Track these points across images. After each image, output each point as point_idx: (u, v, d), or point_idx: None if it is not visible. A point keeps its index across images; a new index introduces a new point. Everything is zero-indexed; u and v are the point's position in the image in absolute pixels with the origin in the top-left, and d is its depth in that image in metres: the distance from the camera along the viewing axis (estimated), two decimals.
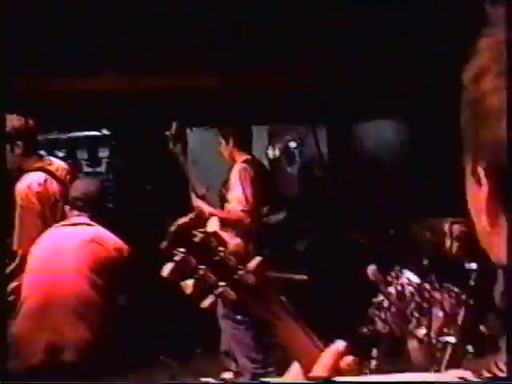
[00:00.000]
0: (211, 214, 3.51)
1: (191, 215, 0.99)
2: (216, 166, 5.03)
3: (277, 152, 7.94)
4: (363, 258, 3.45)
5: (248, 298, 1.05)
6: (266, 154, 7.84)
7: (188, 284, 1.01)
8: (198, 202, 3.86)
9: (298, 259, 5.66)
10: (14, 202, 3.16)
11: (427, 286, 2.60)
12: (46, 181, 3.25)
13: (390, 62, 5.73)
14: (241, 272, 1.03)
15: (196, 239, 1.00)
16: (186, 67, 5.54)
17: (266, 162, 7.61)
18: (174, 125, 3.94)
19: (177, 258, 1.00)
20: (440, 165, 5.12)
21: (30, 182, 3.19)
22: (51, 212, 3.22)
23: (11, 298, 3.13)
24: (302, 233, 6.15)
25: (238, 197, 3.83)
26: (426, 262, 2.73)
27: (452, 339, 2.34)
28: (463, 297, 2.45)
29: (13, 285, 3.16)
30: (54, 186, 3.28)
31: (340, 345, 1.01)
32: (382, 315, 2.72)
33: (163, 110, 5.49)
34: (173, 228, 1.00)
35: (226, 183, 4.15)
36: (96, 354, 2.84)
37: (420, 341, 2.49)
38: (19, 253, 3.12)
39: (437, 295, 2.55)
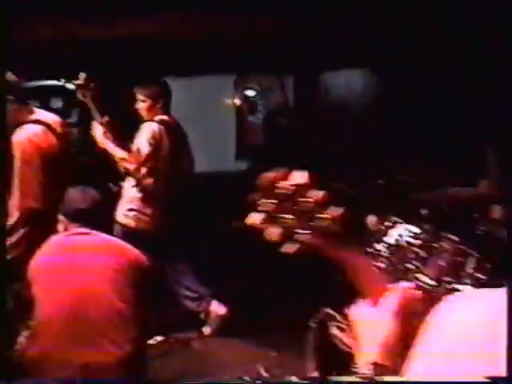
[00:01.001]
0: (101, 144, 3.93)
1: (280, 171, 1.05)
2: None
3: (236, 101, 7.88)
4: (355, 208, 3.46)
5: (330, 244, 1.11)
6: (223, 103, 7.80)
7: (274, 231, 1.06)
8: (96, 130, 3.95)
9: None
10: (11, 156, 3.04)
11: (426, 236, 2.62)
12: (44, 133, 3.15)
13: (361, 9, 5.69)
14: (324, 220, 1.07)
15: (282, 190, 1.05)
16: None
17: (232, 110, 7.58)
18: (82, 75, 3.91)
19: (264, 208, 1.05)
20: (409, 114, 5.18)
21: (28, 135, 3.08)
22: (50, 165, 3.13)
23: (10, 255, 3.07)
24: None
25: (134, 148, 4.09)
26: (424, 211, 2.76)
27: (461, 287, 2.39)
28: (465, 247, 2.48)
29: (12, 239, 3.08)
30: (51, 139, 3.19)
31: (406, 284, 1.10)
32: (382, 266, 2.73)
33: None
34: (260, 180, 1.07)
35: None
36: (130, 373, 2.63)
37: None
38: (19, 207, 3.03)
39: (437, 245, 2.58)
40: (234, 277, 5.02)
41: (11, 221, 3.06)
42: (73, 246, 2.83)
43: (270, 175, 1.10)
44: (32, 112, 3.29)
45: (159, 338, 4.17)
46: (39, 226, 3.07)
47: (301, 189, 1.04)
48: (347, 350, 2.80)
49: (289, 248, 1.04)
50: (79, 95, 3.83)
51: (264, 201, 1.05)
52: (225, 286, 4.57)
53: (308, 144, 6.51)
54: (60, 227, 2.89)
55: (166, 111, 4.40)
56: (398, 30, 5.38)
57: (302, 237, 1.04)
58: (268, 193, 1.06)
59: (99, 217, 2.98)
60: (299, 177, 1.07)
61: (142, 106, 4.29)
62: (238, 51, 6.27)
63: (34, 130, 3.14)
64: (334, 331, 2.94)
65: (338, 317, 2.93)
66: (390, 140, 5.29)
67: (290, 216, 1.04)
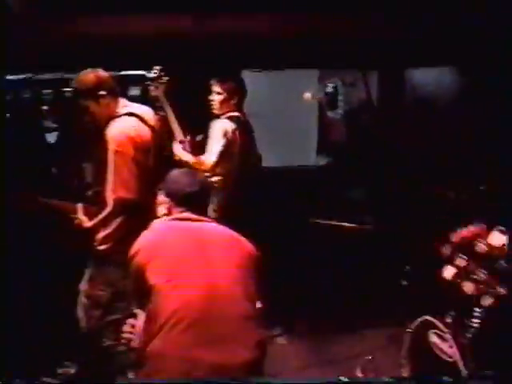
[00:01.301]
0: (186, 162, 3.91)
1: (470, 228, 1.08)
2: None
3: (316, 96, 7.82)
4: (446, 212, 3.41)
5: None
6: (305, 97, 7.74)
7: (469, 286, 1.14)
8: (177, 150, 3.95)
9: (357, 207, 5.62)
10: (105, 149, 3.14)
11: None
12: (138, 126, 3.23)
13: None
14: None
15: (478, 249, 1.11)
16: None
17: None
18: (157, 69, 3.94)
19: (460, 263, 1.12)
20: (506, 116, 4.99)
21: (123, 128, 3.16)
22: (144, 157, 3.21)
23: (102, 246, 3.16)
24: (353, 180, 6.09)
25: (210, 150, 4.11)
26: None
27: None
28: None
29: (104, 232, 3.17)
30: (145, 131, 3.26)
31: None
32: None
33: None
34: (456, 238, 1.11)
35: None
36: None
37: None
38: (113, 198, 3.10)
39: None
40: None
41: (105, 212, 3.15)
42: (192, 233, 2.64)
43: (466, 232, 1.13)
44: (124, 105, 3.37)
45: None
46: (133, 217, 3.14)
47: (498, 251, 1.07)
48: (446, 358, 2.76)
49: (485, 301, 1.08)
50: (152, 88, 3.89)
51: (460, 256, 1.12)
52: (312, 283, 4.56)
53: (391, 142, 6.40)
54: (162, 209, 2.79)
55: (239, 108, 4.40)
56: (489, 29, 5.19)
57: (496, 292, 1.08)
58: (463, 249, 1.11)
59: (206, 203, 2.89)
60: (498, 239, 1.09)
61: (217, 98, 4.31)
62: (323, 46, 6.22)
63: (127, 123, 3.21)
64: (433, 339, 2.90)
65: (439, 324, 2.89)
66: (480, 143, 5.13)
67: (484, 274, 1.09)
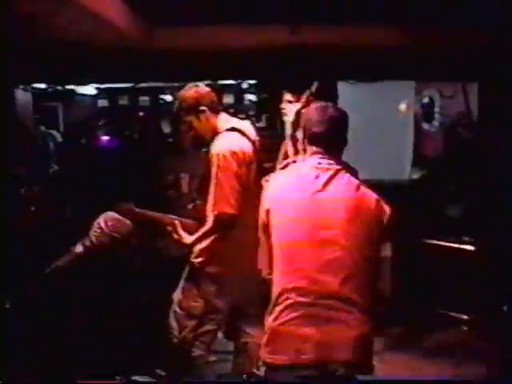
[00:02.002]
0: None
1: None
2: None
3: (412, 108, 7.62)
4: None
5: None
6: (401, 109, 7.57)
7: None
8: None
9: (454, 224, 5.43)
10: (209, 164, 3.17)
11: None
12: (240, 141, 3.24)
13: None
14: None
15: None
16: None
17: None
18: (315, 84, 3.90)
19: None
20: None
21: (226, 143, 3.18)
22: (246, 172, 3.21)
23: (198, 259, 3.18)
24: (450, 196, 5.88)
25: None
26: None
27: None
28: None
29: (202, 245, 3.18)
30: (247, 146, 3.27)
31: None
32: None
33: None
34: None
35: None
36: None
37: None
38: (214, 214, 3.12)
39: None
40: None
41: (205, 227, 3.16)
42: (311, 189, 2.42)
43: None
44: (226, 120, 3.38)
45: None
46: (232, 232, 3.13)
47: None
48: None
49: None
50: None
51: None
52: None
53: (491, 158, 6.14)
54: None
55: None
56: None
57: None
58: None
59: (339, 143, 2.60)
60: None
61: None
62: (420, 57, 6.07)
63: (230, 139, 3.22)
64: None
65: None
66: None
67: None
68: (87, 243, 3.29)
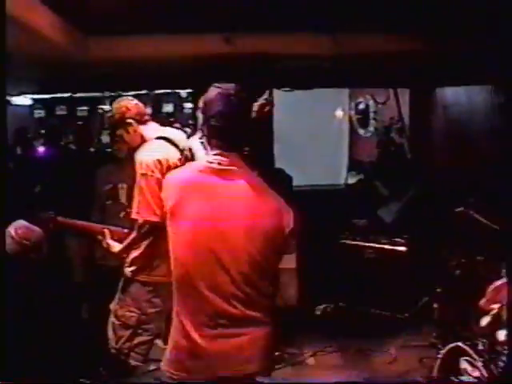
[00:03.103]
0: None
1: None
2: None
3: (347, 114, 7.81)
4: None
5: None
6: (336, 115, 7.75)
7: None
8: None
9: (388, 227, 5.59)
10: (134, 173, 3.19)
11: None
12: (166, 149, 3.27)
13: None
14: None
15: None
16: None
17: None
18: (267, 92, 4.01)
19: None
20: None
21: (150, 151, 3.21)
22: None
23: (131, 268, 3.20)
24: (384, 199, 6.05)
25: None
26: None
27: None
28: None
29: (134, 254, 3.20)
30: (174, 154, 3.29)
31: None
32: None
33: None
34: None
35: None
36: None
37: None
38: (137, 221, 3.14)
39: None
40: None
41: (131, 235, 3.18)
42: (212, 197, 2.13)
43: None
44: (155, 129, 3.42)
45: None
46: (161, 240, 3.15)
47: None
48: None
49: None
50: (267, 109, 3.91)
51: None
52: None
53: (423, 162, 6.36)
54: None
55: None
56: None
57: None
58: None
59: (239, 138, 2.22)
60: None
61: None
62: (353, 65, 6.23)
63: (155, 146, 3.25)
64: (464, 365, 2.87)
65: (471, 352, 2.87)
66: None
67: None
68: None
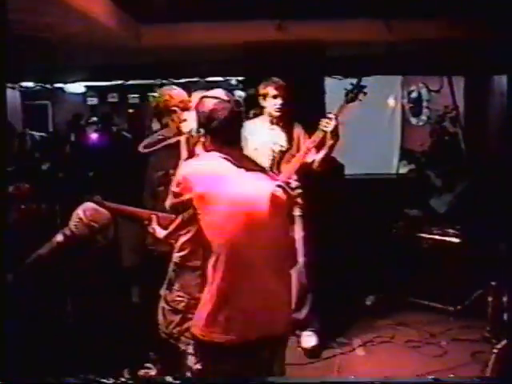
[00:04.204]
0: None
1: None
2: None
3: (399, 102, 7.67)
4: None
5: None
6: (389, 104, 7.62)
7: None
8: None
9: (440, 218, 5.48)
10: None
11: None
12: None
13: None
14: None
15: None
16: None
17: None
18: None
19: None
20: None
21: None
22: None
23: (180, 253, 3.23)
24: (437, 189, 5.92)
25: None
26: None
27: None
28: None
29: (183, 239, 3.20)
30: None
31: None
32: None
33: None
34: None
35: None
36: None
37: None
38: None
39: None
40: None
41: (176, 222, 3.20)
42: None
43: None
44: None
45: None
46: None
47: None
48: None
49: None
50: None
51: None
52: None
53: (478, 152, 6.20)
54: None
55: None
56: None
57: None
58: None
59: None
60: None
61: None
62: (407, 51, 6.11)
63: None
64: None
65: None
66: None
67: None
68: (67, 232, 3.32)
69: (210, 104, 2.55)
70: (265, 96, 4.33)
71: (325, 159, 4.23)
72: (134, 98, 8.24)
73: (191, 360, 2.67)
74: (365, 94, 4.04)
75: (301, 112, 4.38)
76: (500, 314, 3.94)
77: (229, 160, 2.50)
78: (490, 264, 4.44)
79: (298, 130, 4.46)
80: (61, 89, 7.96)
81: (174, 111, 3.46)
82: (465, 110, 6.72)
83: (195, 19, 5.24)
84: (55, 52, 5.48)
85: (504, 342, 3.05)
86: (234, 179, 2.47)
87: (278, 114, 4.33)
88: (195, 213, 2.57)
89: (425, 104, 7.41)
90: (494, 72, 6.52)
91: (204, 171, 2.52)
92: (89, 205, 3.42)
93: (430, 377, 3.68)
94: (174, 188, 2.68)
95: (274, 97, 4.30)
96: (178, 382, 2.52)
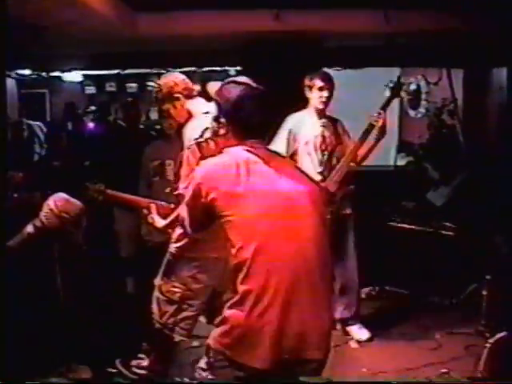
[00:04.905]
0: None
1: None
2: None
3: (401, 94, 7.62)
4: None
5: None
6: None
7: None
8: None
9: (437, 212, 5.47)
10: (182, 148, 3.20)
11: None
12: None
13: None
14: None
15: None
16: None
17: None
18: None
19: None
20: None
21: (197, 126, 3.21)
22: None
23: (177, 244, 3.20)
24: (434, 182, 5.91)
25: None
26: None
27: None
28: None
29: (180, 230, 3.15)
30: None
31: None
32: None
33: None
34: None
35: None
36: None
37: None
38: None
39: None
40: None
41: (176, 211, 3.17)
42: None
43: None
44: (202, 103, 3.41)
45: None
46: None
47: None
48: None
49: None
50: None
51: None
52: None
53: (476, 145, 6.17)
54: None
55: None
56: None
57: None
58: None
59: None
60: None
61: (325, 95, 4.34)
62: (405, 43, 6.07)
63: (202, 121, 3.22)
64: None
65: None
66: None
67: None
68: (37, 224, 3.27)
69: (237, 90, 2.30)
70: (311, 88, 4.30)
71: (367, 155, 4.24)
72: (131, 87, 8.20)
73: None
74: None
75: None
76: (494, 308, 3.94)
77: (255, 154, 2.25)
78: (485, 258, 4.44)
79: (340, 124, 4.45)
80: (58, 77, 7.91)
81: (178, 98, 3.37)
82: (463, 102, 6.68)
83: (192, 8, 5.20)
84: (51, 40, 5.43)
85: (497, 337, 3.05)
86: (265, 174, 2.22)
87: (322, 106, 4.30)
88: (220, 216, 2.21)
89: (423, 96, 7.36)
90: (493, 65, 6.49)
91: (230, 167, 2.22)
92: (60, 195, 3.38)
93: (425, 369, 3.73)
94: (192, 188, 2.31)
95: (320, 89, 4.28)
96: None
